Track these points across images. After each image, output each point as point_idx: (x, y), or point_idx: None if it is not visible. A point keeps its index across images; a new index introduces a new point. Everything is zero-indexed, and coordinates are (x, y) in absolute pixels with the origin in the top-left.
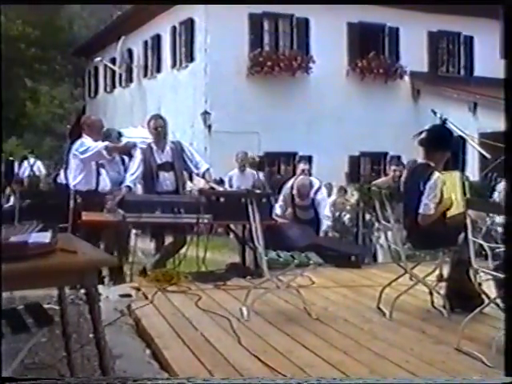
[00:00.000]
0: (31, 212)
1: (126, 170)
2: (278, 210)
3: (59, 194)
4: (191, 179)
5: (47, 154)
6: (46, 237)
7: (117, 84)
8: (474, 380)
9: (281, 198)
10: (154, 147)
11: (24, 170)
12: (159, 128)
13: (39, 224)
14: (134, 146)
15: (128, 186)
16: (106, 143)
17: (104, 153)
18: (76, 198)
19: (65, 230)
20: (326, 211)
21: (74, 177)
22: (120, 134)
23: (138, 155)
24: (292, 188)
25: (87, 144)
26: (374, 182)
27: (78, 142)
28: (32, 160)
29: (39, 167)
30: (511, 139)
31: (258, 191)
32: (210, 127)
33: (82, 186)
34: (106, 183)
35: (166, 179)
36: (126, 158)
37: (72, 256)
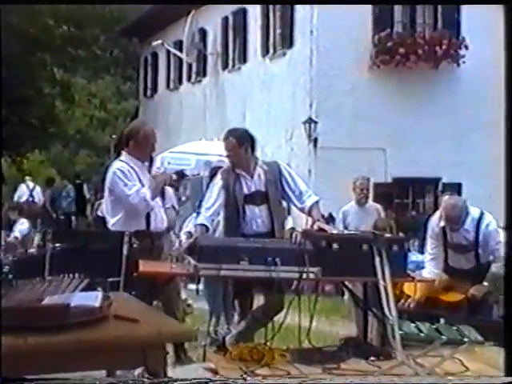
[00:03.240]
0: (68, 260)
1: (180, 201)
2: (429, 266)
3: (105, 235)
4: (289, 214)
5: (84, 175)
6: (95, 298)
7: (184, 78)
8: (474, 380)
9: (429, 242)
10: (239, 172)
11: (21, 196)
12: (229, 155)
13: (83, 279)
14: (182, 173)
15: (203, 225)
16: (145, 189)
17: (150, 204)
18: (131, 240)
19: (116, 286)
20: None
21: (111, 213)
22: (183, 174)
23: (217, 182)
24: (440, 219)
25: (120, 177)
26: None
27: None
28: (31, 184)
29: (38, 193)
30: (511, 139)
31: (387, 235)
32: (315, 141)
33: (122, 226)
34: (161, 219)
35: (257, 216)
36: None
37: (132, 326)
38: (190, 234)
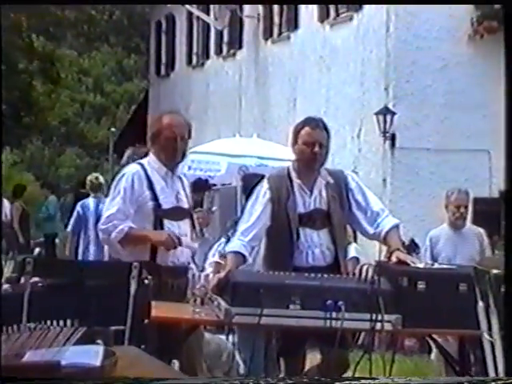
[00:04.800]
0: (56, 301)
1: (204, 215)
2: None
3: (105, 267)
4: (355, 239)
5: (70, 181)
6: (94, 354)
7: (212, 50)
8: (474, 380)
9: None
10: (297, 180)
11: None
12: (318, 146)
13: (78, 327)
14: (205, 183)
15: (239, 254)
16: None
17: (117, 246)
18: (141, 275)
19: (121, 338)
20: None
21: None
22: (207, 184)
23: (263, 193)
24: None
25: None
26: None
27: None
28: None
29: (5, 208)
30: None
31: (495, 271)
32: (393, 139)
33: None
34: (179, 249)
35: (315, 244)
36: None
37: None
38: (219, 266)
